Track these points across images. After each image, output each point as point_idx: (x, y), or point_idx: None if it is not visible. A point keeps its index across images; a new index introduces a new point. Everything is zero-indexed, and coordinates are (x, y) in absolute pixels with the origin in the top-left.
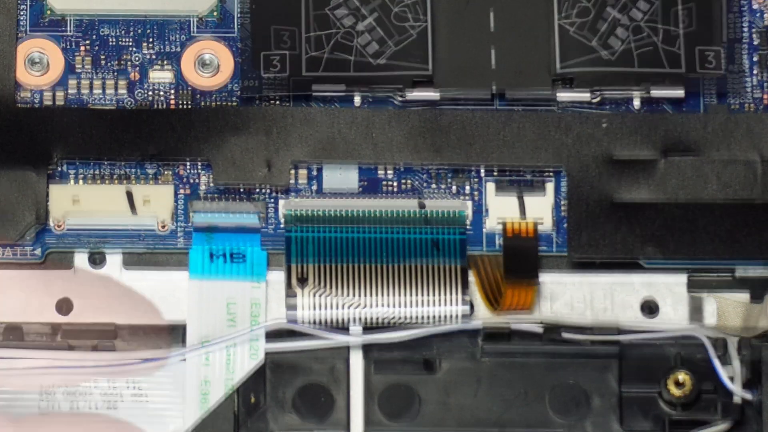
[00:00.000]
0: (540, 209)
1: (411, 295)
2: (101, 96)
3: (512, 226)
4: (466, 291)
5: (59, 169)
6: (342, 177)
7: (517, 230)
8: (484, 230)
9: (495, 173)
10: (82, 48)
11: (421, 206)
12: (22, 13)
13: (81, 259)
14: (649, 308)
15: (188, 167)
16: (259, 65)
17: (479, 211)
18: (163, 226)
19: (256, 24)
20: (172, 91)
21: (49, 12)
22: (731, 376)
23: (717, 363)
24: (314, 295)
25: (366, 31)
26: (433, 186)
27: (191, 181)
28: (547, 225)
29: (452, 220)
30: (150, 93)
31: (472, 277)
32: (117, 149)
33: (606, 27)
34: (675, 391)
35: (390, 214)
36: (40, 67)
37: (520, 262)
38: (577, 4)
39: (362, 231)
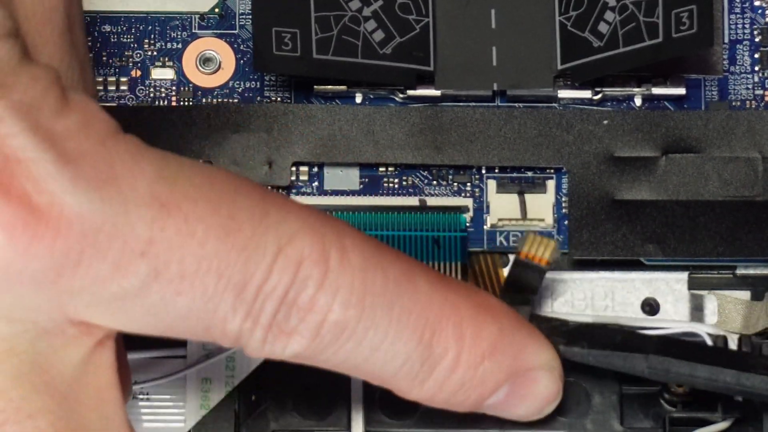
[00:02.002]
0: (541, 207)
1: None
2: (103, 94)
3: (527, 251)
4: None
5: None
6: (343, 175)
7: (531, 257)
8: (485, 228)
9: (496, 171)
10: None
11: (422, 203)
12: None
13: None
14: (650, 306)
15: None
16: (270, 44)
17: (480, 208)
18: None
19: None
20: (174, 89)
21: None
22: None
23: None
24: None
25: (370, 31)
26: (434, 183)
27: None
28: (548, 223)
29: (451, 216)
30: (151, 91)
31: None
32: None
33: (596, 14)
34: (676, 389)
35: (391, 212)
36: None
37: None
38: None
39: (363, 229)
